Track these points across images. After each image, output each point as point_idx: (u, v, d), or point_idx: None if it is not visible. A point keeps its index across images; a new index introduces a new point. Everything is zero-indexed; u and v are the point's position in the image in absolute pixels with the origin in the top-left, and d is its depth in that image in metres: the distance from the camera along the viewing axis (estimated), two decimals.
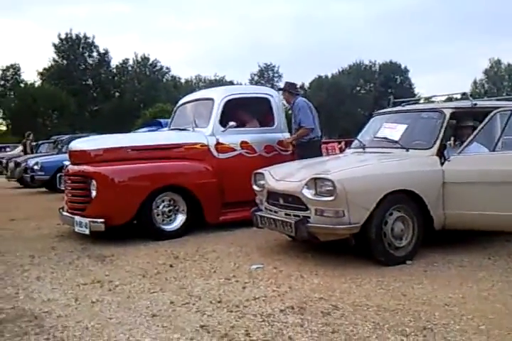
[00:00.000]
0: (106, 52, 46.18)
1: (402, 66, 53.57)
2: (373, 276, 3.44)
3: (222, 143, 5.49)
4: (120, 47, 76.98)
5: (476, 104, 4.28)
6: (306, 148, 5.53)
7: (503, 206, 3.82)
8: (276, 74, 55.53)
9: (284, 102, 6.50)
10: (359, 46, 73.77)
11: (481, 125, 4.06)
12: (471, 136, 4.03)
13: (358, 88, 54.49)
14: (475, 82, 55.80)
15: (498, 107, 4.19)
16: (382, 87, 52.36)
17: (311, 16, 77.78)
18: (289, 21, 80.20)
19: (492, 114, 4.05)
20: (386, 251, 3.69)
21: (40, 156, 11.85)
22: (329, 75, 54.04)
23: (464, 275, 3.46)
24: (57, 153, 11.53)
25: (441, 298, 2.98)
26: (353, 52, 79.40)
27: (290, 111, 6.59)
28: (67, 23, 77.71)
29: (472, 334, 2.45)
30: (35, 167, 10.67)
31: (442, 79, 76.63)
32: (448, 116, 4.16)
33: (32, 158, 11.73)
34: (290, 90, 5.94)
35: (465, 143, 4.02)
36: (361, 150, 4.66)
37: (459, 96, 4.99)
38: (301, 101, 5.76)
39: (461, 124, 4.50)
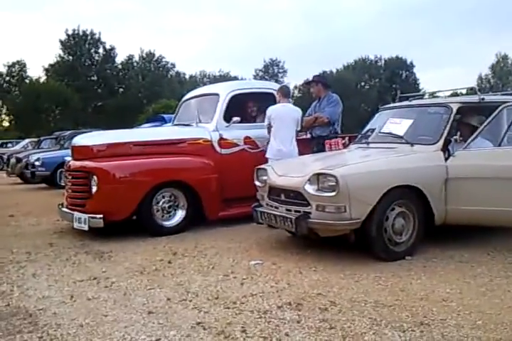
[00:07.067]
0: (112, 49, 46.21)
1: (408, 61, 53.24)
2: (372, 272, 3.40)
3: (225, 139, 5.46)
4: (126, 43, 77.06)
5: (483, 99, 4.17)
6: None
7: (507, 201, 3.76)
8: (281, 70, 55.38)
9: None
10: (365, 41, 73.37)
11: (488, 120, 3.99)
12: (477, 131, 3.96)
13: (363, 83, 54.16)
14: (480, 78, 55.38)
15: (506, 102, 4.11)
16: (387, 82, 52.00)
17: (319, 11, 77.46)
18: (296, 16, 79.99)
19: (499, 108, 3.98)
20: (386, 247, 3.65)
21: (42, 152, 11.82)
22: (334, 70, 53.84)
23: (462, 270, 3.42)
24: (59, 149, 11.52)
25: (439, 294, 2.95)
26: (358, 47, 78.91)
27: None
28: (75, 19, 77.66)
29: (469, 330, 2.42)
30: (37, 163, 10.62)
31: (447, 74, 76.01)
32: (455, 110, 4.09)
33: (33, 153, 11.71)
34: (325, 83, 5.74)
35: (470, 139, 3.94)
36: (365, 145, 4.60)
37: (463, 92, 4.91)
38: (337, 97, 5.60)
39: (468, 119, 4.42)
